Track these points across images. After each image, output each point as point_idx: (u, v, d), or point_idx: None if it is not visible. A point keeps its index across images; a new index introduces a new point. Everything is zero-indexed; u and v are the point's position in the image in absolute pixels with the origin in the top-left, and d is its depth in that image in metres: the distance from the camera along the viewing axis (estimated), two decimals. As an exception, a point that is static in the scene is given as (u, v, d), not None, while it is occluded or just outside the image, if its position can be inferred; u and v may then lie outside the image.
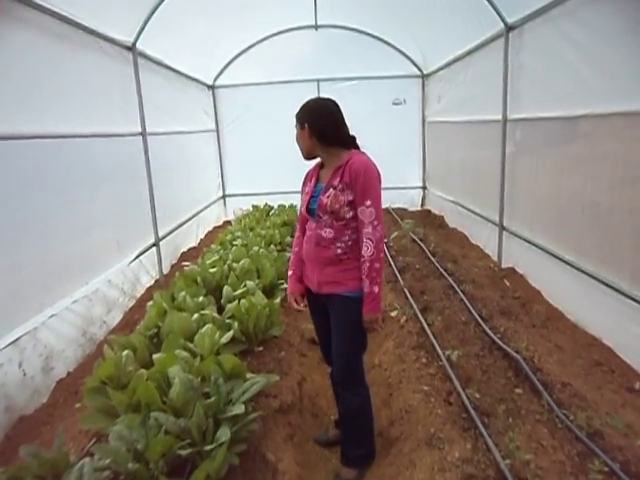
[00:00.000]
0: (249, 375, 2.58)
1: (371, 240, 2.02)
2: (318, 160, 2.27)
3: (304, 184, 2.31)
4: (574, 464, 1.97)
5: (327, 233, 2.11)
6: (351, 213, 2.06)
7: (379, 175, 2.08)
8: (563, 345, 3.20)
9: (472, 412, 2.30)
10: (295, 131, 2.19)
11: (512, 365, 2.82)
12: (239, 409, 1.98)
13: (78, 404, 2.63)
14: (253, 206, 7.51)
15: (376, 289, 2.03)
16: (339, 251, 2.10)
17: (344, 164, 2.07)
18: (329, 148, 2.14)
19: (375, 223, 2.03)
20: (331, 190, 2.06)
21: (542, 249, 4.08)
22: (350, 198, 2.04)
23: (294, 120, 2.18)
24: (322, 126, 2.11)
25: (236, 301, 3.12)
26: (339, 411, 2.42)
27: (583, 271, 3.45)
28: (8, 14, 2.89)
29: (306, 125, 2.12)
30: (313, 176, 2.24)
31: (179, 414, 2.04)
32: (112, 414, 2.16)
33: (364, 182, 2.01)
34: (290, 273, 2.39)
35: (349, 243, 2.10)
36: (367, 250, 2.04)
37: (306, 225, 2.29)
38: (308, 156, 2.22)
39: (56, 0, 3.25)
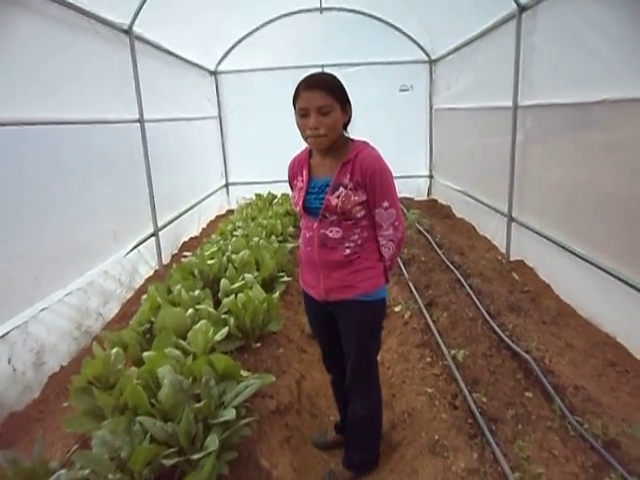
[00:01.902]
0: (245, 374, 2.47)
1: (393, 241, 1.88)
2: (303, 148, 2.01)
3: (294, 177, 2.02)
4: (588, 477, 1.84)
5: (334, 233, 1.86)
6: (362, 212, 1.84)
7: (391, 170, 1.85)
8: (575, 343, 3.05)
9: (479, 418, 2.17)
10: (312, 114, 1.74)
11: (522, 366, 2.68)
12: (230, 414, 1.87)
13: (66, 403, 2.53)
14: (256, 195, 7.38)
15: (394, 264, 2.02)
16: (348, 251, 1.87)
17: (352, 159, 1.82)
18: (341, 136, 1.86)
19: (396, 224, 1.86)
20: (341, 189, 1.81)
21: (553, 241, 3.92)
22: (363, 198, 1.81)
23: (318, 99, 1.72)
24: (351, 109, 1.86)
25: (233, 295, 3.00)
26: (348, 415, 2.20)
27: (596, 265, 3.30)
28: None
29: (347, 106, 1.82)
30: (303, 168, 1.96)
31: (168, 418, 1.93)
32: (99, 416, 2.05)
33: (380, 183, 1.79)
34: None
35: (359, 242, 1.88)
36: (389, 251, 1.90)
37: (300, 224, 2.05)
38: (333, 144, 1.83)
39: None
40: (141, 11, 4.36)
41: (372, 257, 1.92)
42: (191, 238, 6.31)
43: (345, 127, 1.89)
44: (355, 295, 1.90)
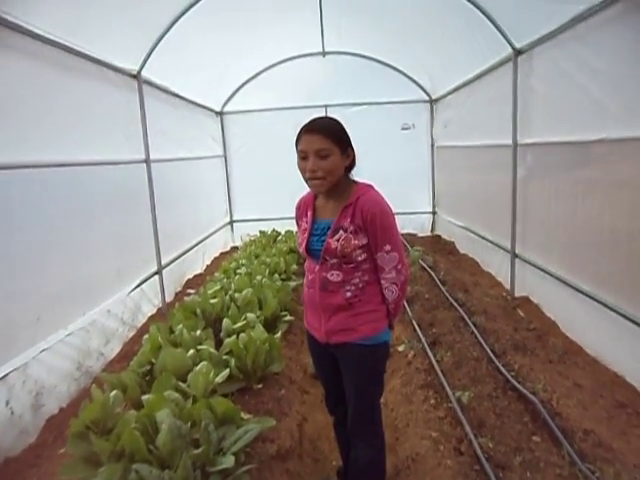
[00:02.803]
0: (245, 416, 2.43)
1: (396, 284, 1.86)
2: (306, 186, 2.00)
3: (299, 217, 2.05)
4: (601, 529, 1.76)
5: (335, 276, 1.85)
6: (363, 256, 1.83)
7: (393, 213, 1.85)
8: (583, 383, 2.98)
9: (485, 464, 2.10)
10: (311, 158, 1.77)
11: (528, 408, 2.61)
12: (229, 462, 1.83)
13: (62, 450, 2.48)
14: (260, 232, 7.44)
15: (399, 311, 2.03)
16: (349, 294, 1.85)
17: (353, 202, 1.82)
18: (343, 179, 1.88)
19: (399, 267, 1.85)
20: (341, 232, 1.81)
21: (557, 277, 3.89)
22: (364, 242, 1.81)
23: (317, 142, 1.75)
24: (354, 152, 1.89)
25: (234, 336, 2.98)
26: (350, 461, 2.12)
27: (601, 302, 3.26)
28: (9, 45, 2.87)
29: (349, 150, 1.84)
30: (308, 209, 1.99)
31: (165, 464, 1.89)
32: (95, 462, 2.01)
33: (382, 226, 1.79)
34: None
35: (360, 285, 1.86)
36: (392, 294, 1.88)
37: (304, 266, 2.05)
38: (331, 188, 1.84)
39: (60, 31, 3.26)
40: (149, 58, 4.55)
41: (374, 300, 1.90)
42: (195, 275, 6.32)
43: (349, 170, 1.91)
44: (356, 338, 1.88)
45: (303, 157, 1.81)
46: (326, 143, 1.76)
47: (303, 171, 1.83)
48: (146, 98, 4.71)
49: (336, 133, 1.81)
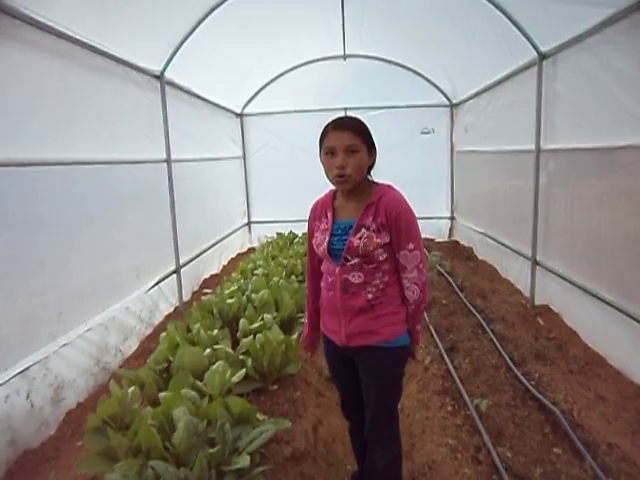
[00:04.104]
0: (261, 417, 2.43)
1: (417, 285, 1.83)
2: (328, 190, 2.02)
3: (316, 219, 2.02)
4: None
5: (356, 278, 1.84)
6: (384, 255, 1.82)
7: (414, 213, 1.86)
8: (606, 395, 2.91)
9: (504, 475, 2.05)
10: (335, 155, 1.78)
11: (549, 419, 2.55)
12: (244, 462, 1.82)
13: (80, 443, 2.50)
14: (277, 234, 7.46)
15: (419, 327, 1.96)
16: (370, 296, 1.84)
17: (376, 201, 1.82)
18: (364, 179, 1.88)
19: (420, 266, 1.83)
20: (363, 231, 1.80)
21: (579, 287, 3.81)
22: (386, 240, 1.80)
23: (347, 138, 1.77)
24: (376, 152, 1.90)
25: (251, 336, 2.98)
26: (366, 466, 2.08)
27: (624, 312, 3.18)
28: (41, 45, 2.94)
29: (373, 149, 1.86)
30: (327, 210, 1.96)
31: (181, 462, 1.89)
32: (112, 457, 2.03)
33: (406, 225, 1.79)
34: (306, 321, 2.19)
35: (380, 287, 1.85)
36: (413, 294, 1.85)
37: (322, 268, 2.03)
38: (357, 186, 1.85)
39: (89, 33, 3.32)
40: (173, 59, 4.60)
41: (394, 302, 1.89)
42: (212, 275, 6.36)
43: (369, 171, 1.91)
44: (376, 341, 1.86)
45: (330, 153, 1.80)
46: (355, 139, 1.78)
47: (330, 168, 1.82)
48: (168, 99, 4.77)
49: (364, 131, 1.83)
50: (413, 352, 2.00)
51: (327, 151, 1.81)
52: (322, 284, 2.02)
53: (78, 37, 3.24)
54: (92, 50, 3.46)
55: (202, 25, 4.61)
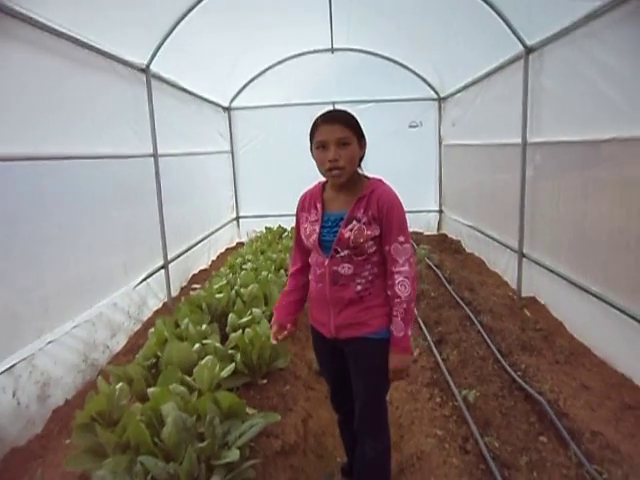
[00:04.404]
0: (250, 411, 2.43)
1: (408, 279, 1.81)
2: (316, 182, 2.02)
3: (304, 209, 2.01)
4: (608, 531, 1.74)
5: (345, 269, 1.84)
6: (374, 248, 1.84)
7: (404, 208, 1.87)
8: (590, 385, 2.96)
9: (491, 463, 2.09)
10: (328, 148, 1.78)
11: (535, 408, 2.59)
12: (234, 456, 1.82)
13: (68, 440, 2.48)
14: (266, 228, 7.44)
15: (409, 331, 1.84)
16: (359, 288, 1.85)
17: (368, 194, 1.83)
18: (355, 172, 1.89)
19: (411, 260, 1.84)
20: (354, 223, 1.82)
21: (565, 278, 3.86)
22: (376, 233, 1.81)
23: (338, 131, 1.77)
24: (366, 144, 1.90)
25: (240, 330, 2.97)
26: (356, 457, 2.10)
27: (609, 303, 3.23)
28: (17, 36, 2.87)
29: (363, 140, 1.86)
30: (316, 202, 1.96)
31: (170, 457, 1.89)
32: (101, 454, 2.02)
33: (398, 217, 1.80)
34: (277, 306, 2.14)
35: (369, 278, 1.86)
36: (404, 290, 1.81)
37: (310, 260, 2.03)
38: (348, 179, 1.85)
39: (70, 25, 3.26)
40: (158, 52, 4.54)
41: (382, 294, 1.89)
42: (201, 271, 6.33)
43: (360, 162, 1.92)
44: (366, 333, 1.87)
45: (322, 147, 1.80)
46: (346, 132, 1.79)
47: (322, 162, 1.82)
48: (154, 92, 4.71)
49: (354, 123, 1.84)
50: (395, 368, 1.85)
51: (318, 145, 1.81)
52: (310, 277, 2.02)
53: (60, 29, 3.18)
54: (75, 42, 3.40)
55: (188, 17, 4.55)
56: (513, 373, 2.96)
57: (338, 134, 1.77)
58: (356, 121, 1.85)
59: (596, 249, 3.46)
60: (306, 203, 2.01)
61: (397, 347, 1.82)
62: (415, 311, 4.21)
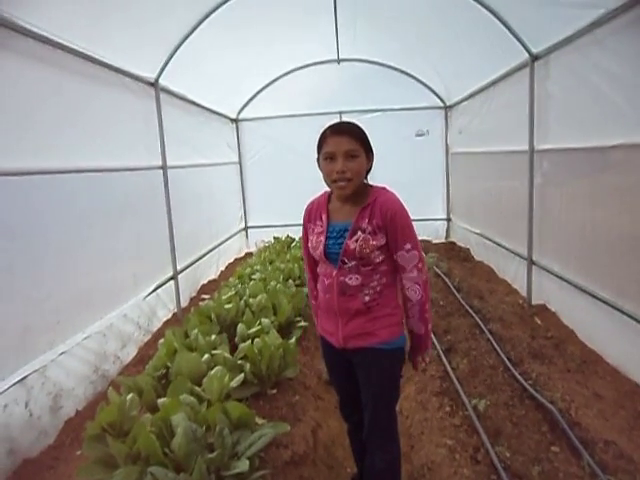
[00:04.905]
0: (260, 421, 2.43)
1: (418, 284, 1.84)
2: (321, 193, 2.03)
3: (310, 220, 2.03)
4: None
5: (353, 280, 1.84)
6: (381, 257, 1.84)
7: (409, 214, 1.87)
8: (603, 393, 2.92)
9: (502, 474, 2.06)
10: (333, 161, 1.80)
11: (547, 418, 2.57)
12: (244, 466, 1.83)
13: (79, 451, 2.50)
14: (274, 238, 7.47)
15: (430, 327, 1.94)
16: (367, 299, 1.85)
17: (371, 203, 1.83)
18: (361, 183, 1.89)
19: (420, 266, 1.84)
20: (359, 233, 1.81)
21: (575, 285, 3.83)
22: (382, 242, 1.81)
23: (347, 143, 1.78)
24: (374, 156, 1.92)
25: (249, 341, 2.99)
26: (365, 468, 2.09)
27: (620, 310, 3.20)
28: (33, 54, 2.95)
29: (370, 153, 1.87)
30: (322, 213, 1.97)
31: (180, 468, 1.90)
32: (111, 465, 2.03)
33: (402, 225, 1.80)
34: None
35: (378, 289, 1.85)
36: (415, 294, 1.85)
37: (318, 270, 2.04)
38: (355, 191, 1.86)
39: (80, 40, 3.34)
40: (167, 66, 4.62)
41: (391, 304, 1.90)
42: (210, 281, 6.36)
43: (367, 175, 1.92)
44: (374, 343, 1.87)
45: (330, 158, 1.81)
46: (354, 144, 1.80)
47: (329, 173, 1.83)
48: (163, 105, 4.79)
49: (362, 136, 1.85)
50: (416, 359, 2.02)
51: (326, 156, 1.82)
52: (319, 286, 2.03)
53: (72, 46, 3.25)
54: (86, 58, 3.47)
55: (196, 32, 4.63)
56: (524, 382, 2.93)
57: (346, 146, 1.78)
58: (364, 134, 1.86)
59: (606, 255, 3.43)
60: (312, 214, 2.03)
61: (422, 344, 1.96)
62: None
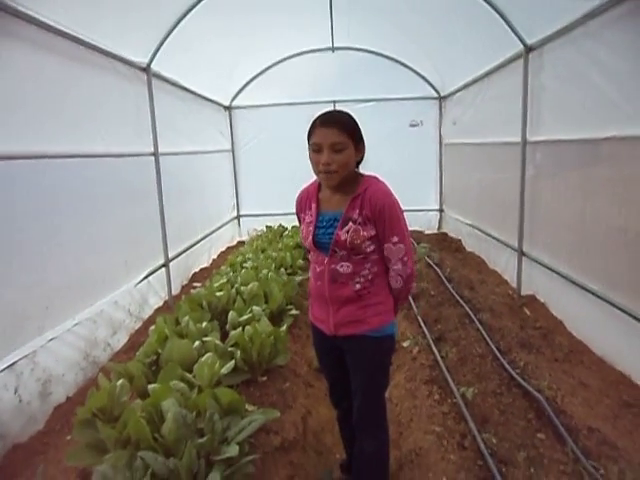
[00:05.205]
0: (250, 408, 2.45)
1: (401, 276, 1.87)
2: (311, 181, 2.03)
3: (302, 211, 2.03)
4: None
5: (345, 268, 1.85)
6: (372, 247, 1.84)
7: (400, 205, 1.86)
8: (588, 382, 2.97)
9: (489, 459, 2.10)
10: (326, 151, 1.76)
11: (533, 405, 2.61)
12: (233, 451, 1.84)
13: (69, 436, 2.51)
14: (267, 227, 7.46)
15: (404, 302, 2.10)
16: (358, 286, 1.86)
17: (362, 193, 1.82)
18: (351, 172, 1.87)
19: (405, 259, 1.85)
20: (350, 224, 1.81)
21: (564, 276, 3.87)
22: (372, 233, 1.81)
23: (334, 136, 1.75)
24: (365, 147, 1.90)
25: (240, 328, 2.99)
26: (354, 453, 2.11)
27: (608, 301, 3.24)
28: (21, 36, 2.89)
29: (361, 144, 1.85)
30: (312, 201, 1.97)
31: (170, 452, 1.91)
32: (101, 449, 2.04)
33: (390, 218, 1.79)
34: None
35: (369, 277, 1.86)
36: (397, 284, 1.90)
37: (309, 257, 2.04)
38: (341, 182, 1.84)
39: (73, 25, 3.28)
40: (159, 51, 4.56)
41: (382, 292, 1.91)
42: (201, 269, 6.35)
43: (357, 165, 1.91)
44: (364, 330, 1.89)
45: (317, 150, 1.80)
46: (341, 137, 1.77)
47: (316, 164, 1.82)
48: (155, 91, 4.73)
49: (351, 127, 1.81)
50: None
51: (314, 148, 1.81)
52: (310, 274, 2.03)
53: (61, 28, 3.19)
54: (76, 41, 3.41)
55: (188, 17, 4.56)
56: (512, 370, 2.97)
57: (333, 139, 1.76)
58: (354, 125, 1.83)
59: (596, 247, 3.46)
60: (303, 203, 2.03)
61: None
62: (415, 308, 4.24)
